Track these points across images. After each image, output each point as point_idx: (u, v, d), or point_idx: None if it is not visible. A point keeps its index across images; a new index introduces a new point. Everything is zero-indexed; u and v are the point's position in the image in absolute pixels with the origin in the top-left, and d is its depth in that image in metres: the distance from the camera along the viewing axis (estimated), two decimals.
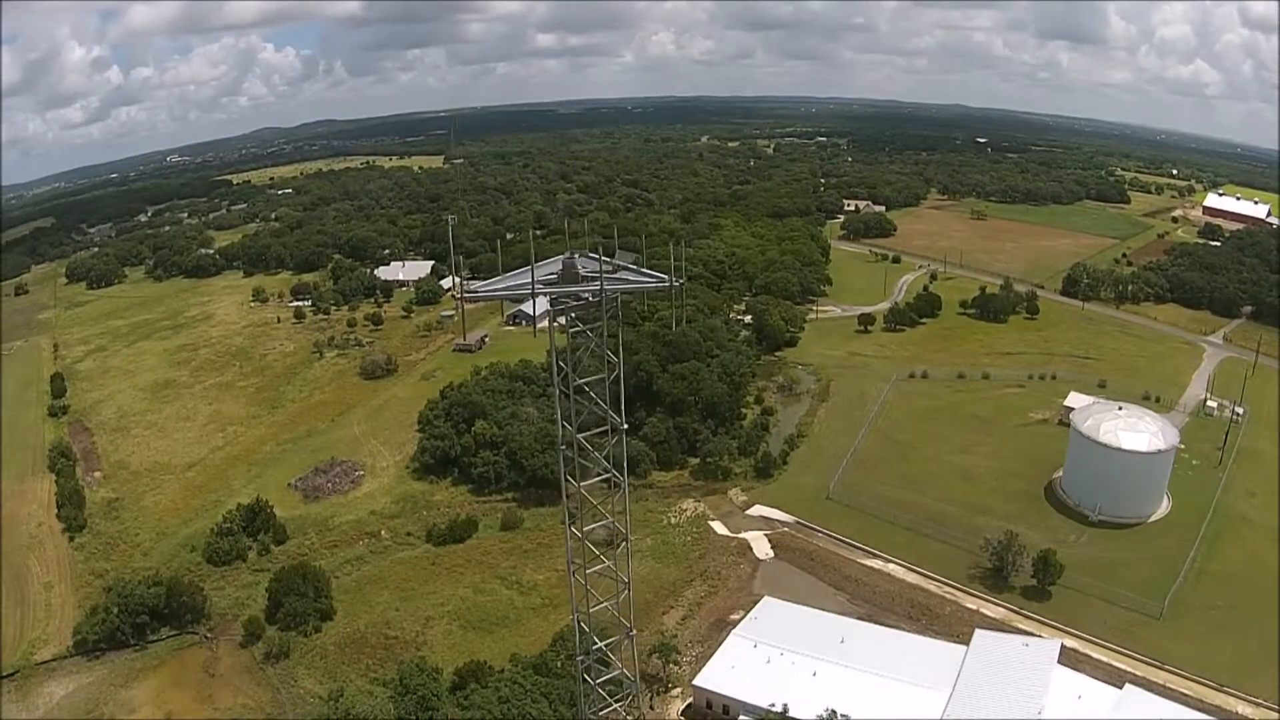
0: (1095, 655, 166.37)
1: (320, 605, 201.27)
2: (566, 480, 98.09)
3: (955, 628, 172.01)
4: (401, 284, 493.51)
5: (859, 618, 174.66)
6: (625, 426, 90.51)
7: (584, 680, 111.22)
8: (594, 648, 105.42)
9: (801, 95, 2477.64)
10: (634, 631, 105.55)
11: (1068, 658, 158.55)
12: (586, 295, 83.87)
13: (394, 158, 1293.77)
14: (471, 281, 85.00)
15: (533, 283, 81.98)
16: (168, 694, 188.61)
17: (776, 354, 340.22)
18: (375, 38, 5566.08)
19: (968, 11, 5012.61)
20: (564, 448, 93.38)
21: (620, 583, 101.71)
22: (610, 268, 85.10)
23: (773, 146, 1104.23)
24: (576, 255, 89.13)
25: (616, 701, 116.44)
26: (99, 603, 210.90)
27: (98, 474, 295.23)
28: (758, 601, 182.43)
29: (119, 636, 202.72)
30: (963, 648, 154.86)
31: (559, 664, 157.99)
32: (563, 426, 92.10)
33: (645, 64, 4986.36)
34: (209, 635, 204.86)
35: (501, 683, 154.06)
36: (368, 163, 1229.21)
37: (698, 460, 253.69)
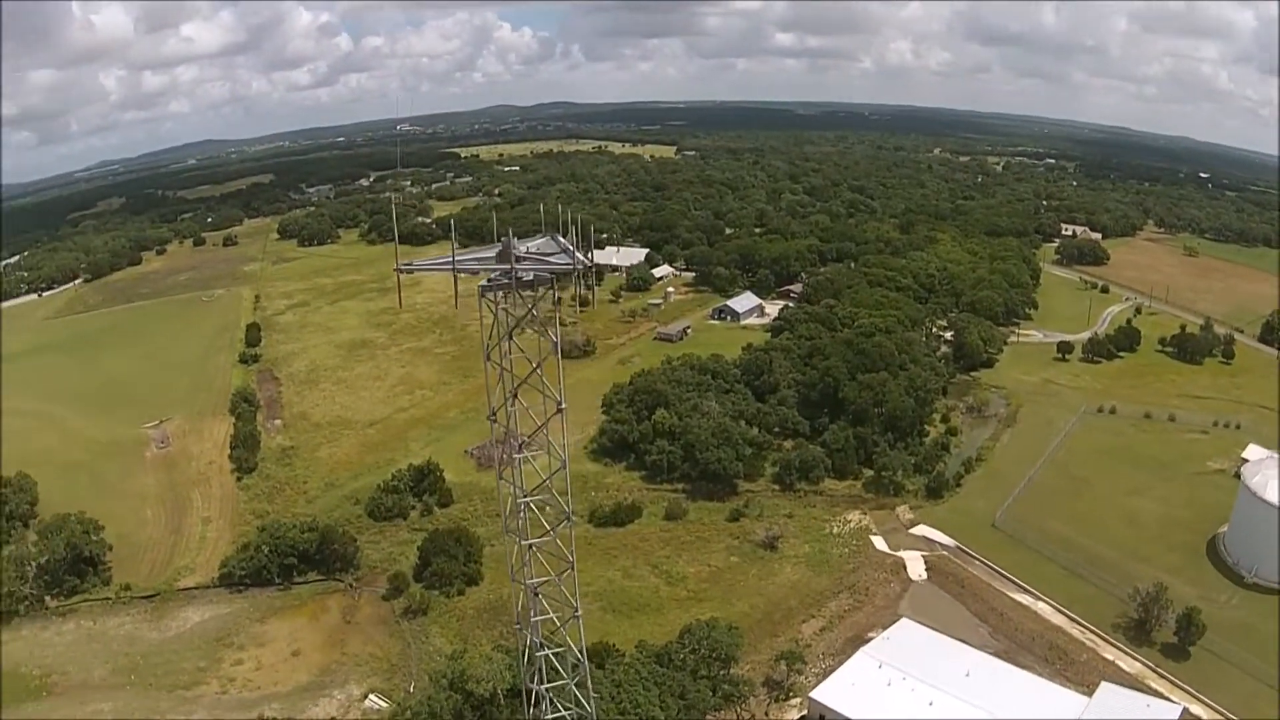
0: None
1: (468, 570, 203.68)
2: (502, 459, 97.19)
3: (1087, 676, 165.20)
4: (614, 269, 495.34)
5: (994, 653, 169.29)
6: (564, 405, 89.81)
7: (524, 653, 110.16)
8: (535, 618, 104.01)
9: (1034, 115, 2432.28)
10: (579, 612, 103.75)
11: None
12: (503, 275, 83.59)
13: (626, 144, 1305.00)
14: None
15: (453, 259, 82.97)
16: (301, 633, 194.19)
17: (972, 374, 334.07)
18: (613, 24, 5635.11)
19: (1195, 41, 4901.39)
20: (491, 419, 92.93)
21: (564, 562, 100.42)
22: (521, 248, 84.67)
23: (1002, 164, 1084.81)
24: (551, 238, 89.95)
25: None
26: (251, 540, 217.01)
27: (278, 421, 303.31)
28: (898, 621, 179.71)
29: (265, 574, 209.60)
30: (1086, 699, 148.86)
31: (681, 656, 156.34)
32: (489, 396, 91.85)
33: (884, 71, 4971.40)
34: (354, 584, 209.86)
35: (620, 667, 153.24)
36: (599, 147, 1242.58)
37: (872, 472, 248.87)
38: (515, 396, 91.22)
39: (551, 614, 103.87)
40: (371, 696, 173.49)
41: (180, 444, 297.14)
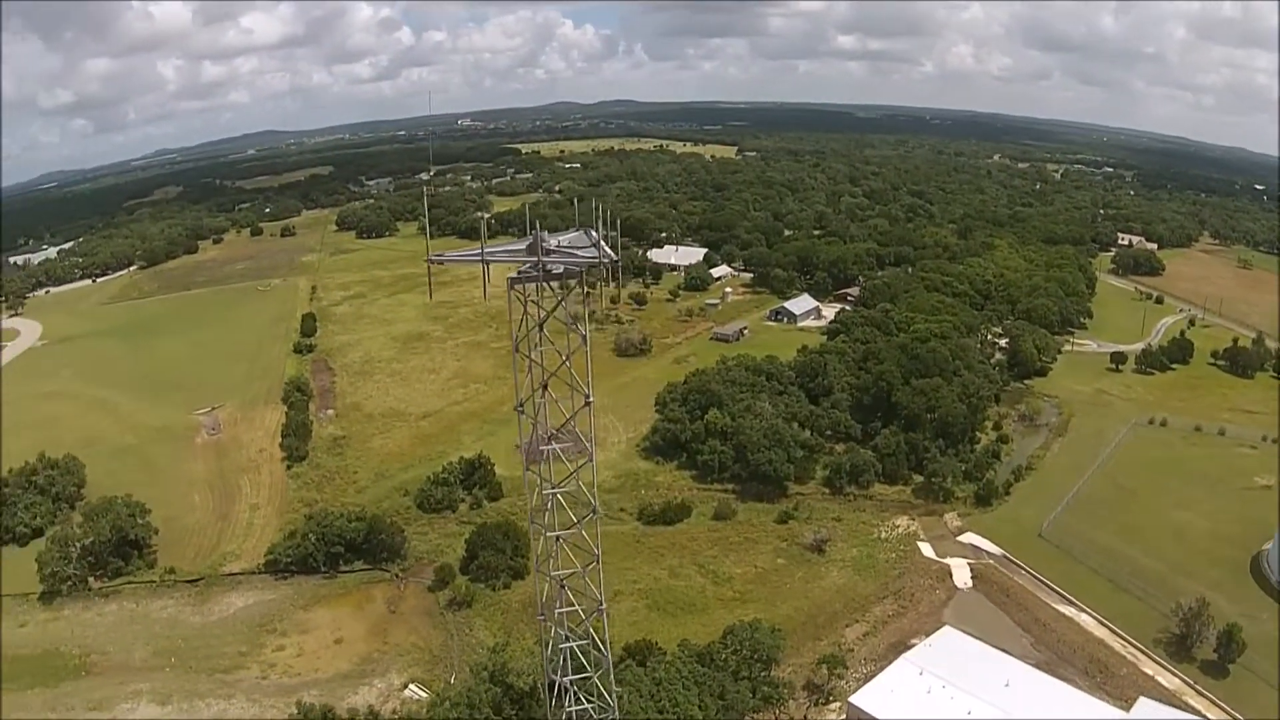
0: None
1: (515, 563, 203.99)
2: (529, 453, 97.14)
3: (1126, 690, 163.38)
4: (672, 268, 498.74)
5: (1035, 664, 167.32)
6: (591, 399, 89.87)
7: (547, 645, 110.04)
8: (560, 610, 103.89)
9: (1093, 123, 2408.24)
10: (604, 606, 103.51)
11: None
12: (531, 267, 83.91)
13: (688, 144, 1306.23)
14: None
15: (483, 251, 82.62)
16: (344, 621, 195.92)
17: (1025, 382, 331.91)
18: (676, 23, 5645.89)
19: (1251, 51, 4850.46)
20: (519, 410, 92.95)
21: (590, 555, 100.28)
22: (551, 241, 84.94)
23: (1061, 172, 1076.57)
24: (584, 233, 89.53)
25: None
26: (299, 528, 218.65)
27: (330, 411, 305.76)
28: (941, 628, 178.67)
29: (311, 562, 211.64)
30: (1124, 714, 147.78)
31: (723, 657, 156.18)
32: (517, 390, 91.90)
33: (945, 75, 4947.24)
34: (400, 575, 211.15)
35: (661, 665, 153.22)
36: (660, 146, 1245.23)
37: (922, 478, 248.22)
38: (545, 389, 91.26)
39: (577, 606, 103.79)
40: (412, 686, 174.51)
41: (231, 431, 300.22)
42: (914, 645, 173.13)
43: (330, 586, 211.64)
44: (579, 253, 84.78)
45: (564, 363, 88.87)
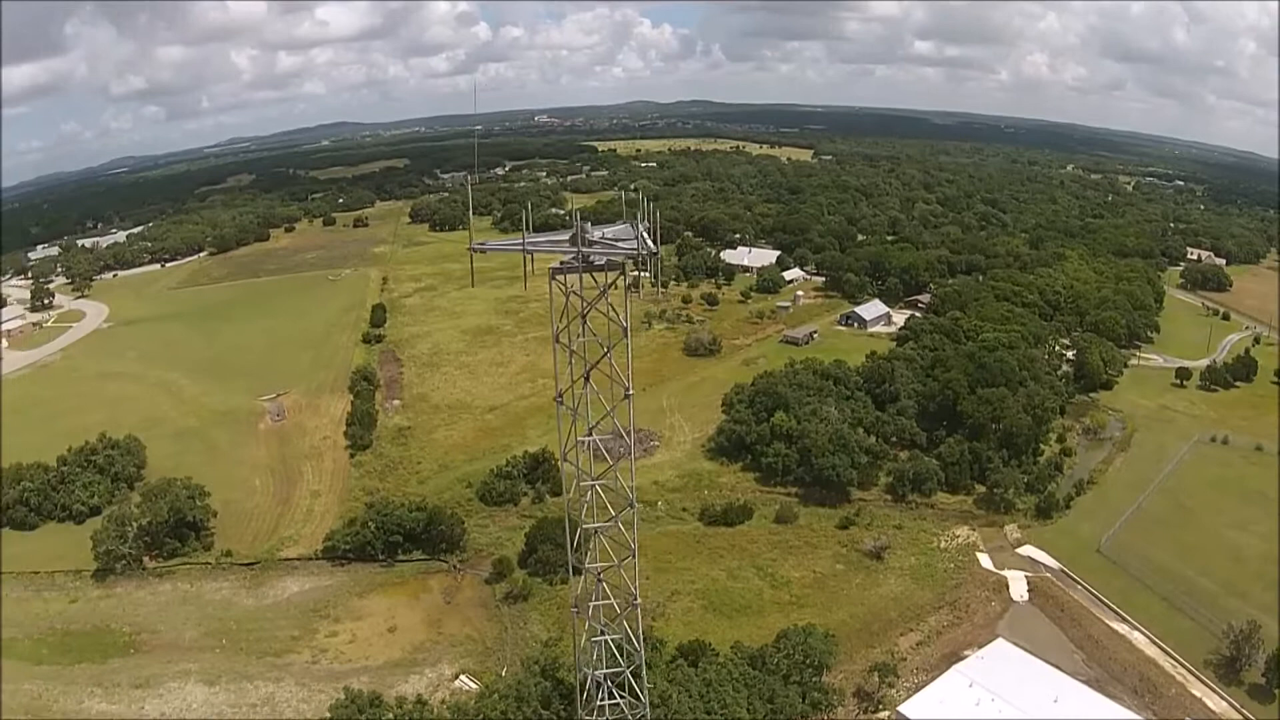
0: None
1: (573, 560, 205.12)
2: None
3: (1173, 712, 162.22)
4: (745, 269, 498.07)
5: (1085, 681, 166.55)
6: (630, 391, 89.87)
7: (578, 638, 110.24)
8: (594, 603, 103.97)
9: (1166, 135, 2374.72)
10: (638, 600, 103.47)
11: None
12: (575, 258, 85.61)
13: (764, 146, 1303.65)
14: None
15: (524, 240, 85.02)
16: (399, 610, 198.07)
17: (1091, 395, 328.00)
18: (754, 24, 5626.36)
19: None
20: (559, 401, 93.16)
21: (627, 549, 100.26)
22: (595, 233, 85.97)
23: (1133, 184, 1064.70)
24: (631, 224, 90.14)
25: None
26: (358, 515, 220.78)
27: (396, 402, 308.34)
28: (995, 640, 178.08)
29: (369, 550, 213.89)
30: None
31: (775, 660, 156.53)
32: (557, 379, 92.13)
33: (1020, 83, 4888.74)
34: (458, 566, 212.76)
35: (712, 666, 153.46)
36: (737, 147, 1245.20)
37: (984, 488, 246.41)
38: (587, 380, 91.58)
39: (613, 600, 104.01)
40: (462, 677, 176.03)
41: (296, 418, 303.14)
42: (966, 656, 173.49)
43: (387, 575, 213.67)
44: (620, 244, 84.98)
45: (604, 355, 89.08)
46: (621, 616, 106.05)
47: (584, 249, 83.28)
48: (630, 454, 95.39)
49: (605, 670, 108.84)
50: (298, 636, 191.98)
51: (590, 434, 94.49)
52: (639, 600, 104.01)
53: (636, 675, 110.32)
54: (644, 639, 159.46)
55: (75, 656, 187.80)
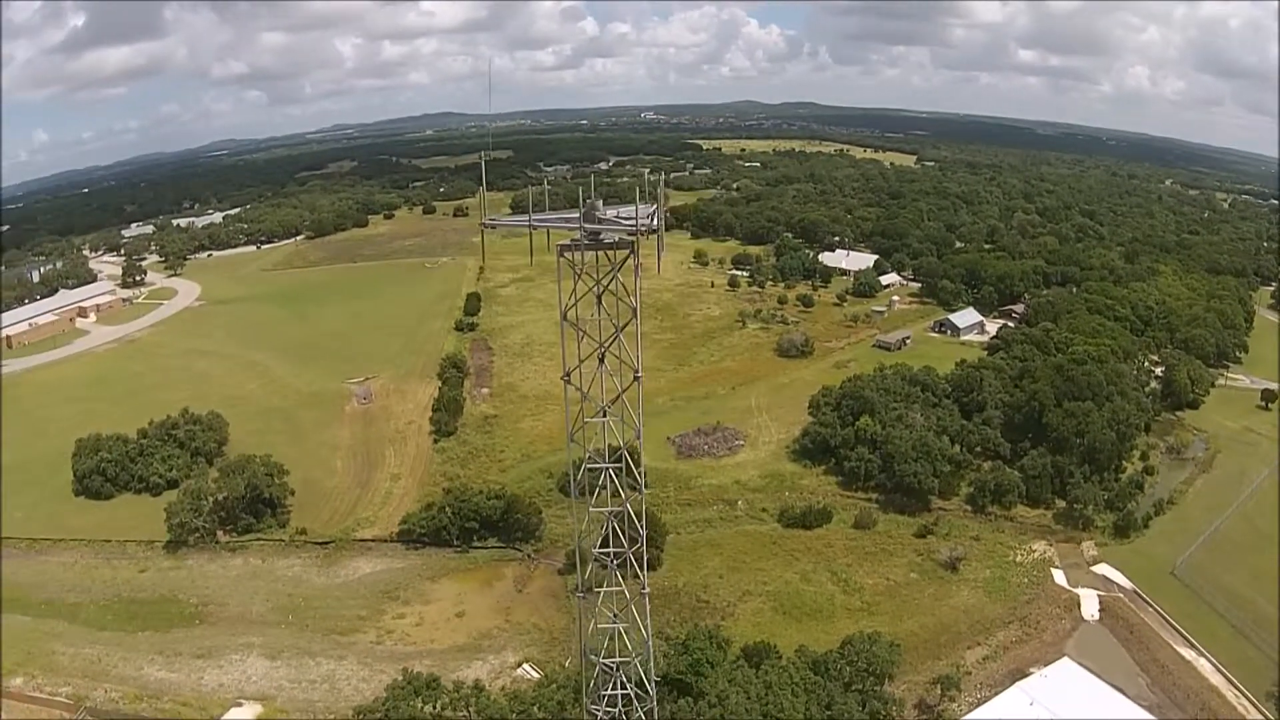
0: None
1: (650, 553, 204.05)
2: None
3: None
4: (843, 272, 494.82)
5: (1146, 706, 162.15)
6: (640, 374, 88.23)
7: (580, 623, 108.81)
8: (606, 590, 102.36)
9: (1263, 153, 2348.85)
10: (646, 589, 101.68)
11: None
12: (585, 235, 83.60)
13: (868, 150, 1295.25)
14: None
15: (529, 216, 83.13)
16: (469, 596, 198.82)
17: (1176, 413, 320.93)
18: (860, 27, 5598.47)
19: None
20: (565, 380, 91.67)
21: (635, 534, 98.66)
22: (608, 213, 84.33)
23: (1229, 201, 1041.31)
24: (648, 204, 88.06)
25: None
26: (436, 500, 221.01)
27: (485, 390, 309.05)
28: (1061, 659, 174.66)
29: (444, 535, 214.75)
30: None
31: (838, 667, 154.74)
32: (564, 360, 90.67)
33: (1121, 96, 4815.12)
34: (532, 555, 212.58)
35: (774, 669, 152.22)
36: (840, 150, 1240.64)
37: (1064, 503, 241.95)
38: (602, 360, 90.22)
39: (623, 587, 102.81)
40: (525, 666, 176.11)
41: (382, 402, 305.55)
42: (1031, 674, 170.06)
43: (460, 561, 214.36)
44: (624, 221, 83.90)
45: (616, 335, 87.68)
46: (630, 605, 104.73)
47: (585, 225, 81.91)
48: (639, 435, 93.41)
49: (616, 660, 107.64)
50: (365, 616, 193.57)
51: (604, 414, 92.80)
52: (647, 589, 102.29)
53: (644, 666, 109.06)
54: (710, 636, 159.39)
55: (139, 624, 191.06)
